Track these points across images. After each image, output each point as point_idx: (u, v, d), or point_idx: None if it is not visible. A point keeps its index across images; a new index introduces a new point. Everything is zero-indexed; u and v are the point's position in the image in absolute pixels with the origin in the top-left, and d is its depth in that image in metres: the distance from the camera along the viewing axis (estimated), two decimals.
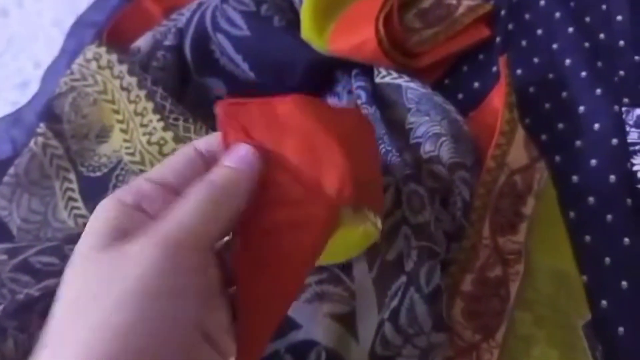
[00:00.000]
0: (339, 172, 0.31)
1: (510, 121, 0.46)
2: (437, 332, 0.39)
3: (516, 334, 0.40)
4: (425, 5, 0.55)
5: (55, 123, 0.52)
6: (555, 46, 0.52)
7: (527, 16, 0.54)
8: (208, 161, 0.32)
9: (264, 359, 0.37)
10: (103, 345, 0.24)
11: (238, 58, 0.53)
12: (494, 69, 0.52)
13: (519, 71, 0.52)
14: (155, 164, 0.48)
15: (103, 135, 0.52)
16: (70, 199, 0.50)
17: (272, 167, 0.31)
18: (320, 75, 0.54)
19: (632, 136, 0.46)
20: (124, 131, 0.50)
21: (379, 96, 0.50)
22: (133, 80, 0.51)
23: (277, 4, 0.55)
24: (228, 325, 0.30)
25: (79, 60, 0.53)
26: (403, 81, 0.49)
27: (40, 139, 0.51)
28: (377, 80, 0.51)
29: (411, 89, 0.48)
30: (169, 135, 0.48)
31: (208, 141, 0.33)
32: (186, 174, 0.31)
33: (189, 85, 0.55)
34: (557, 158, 0.47)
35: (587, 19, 0.52)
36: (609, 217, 0.43)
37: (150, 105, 0.49)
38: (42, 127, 0.51)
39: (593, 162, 0.46)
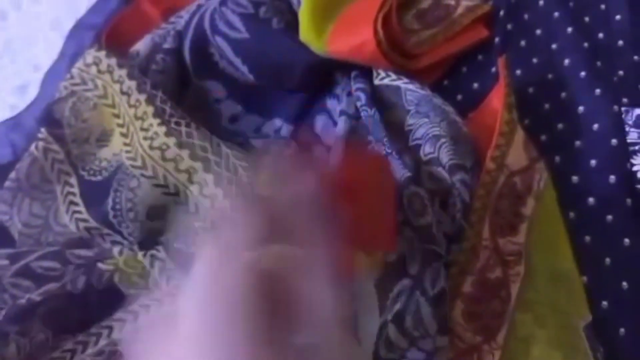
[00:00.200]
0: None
1: (510, 122, 0.46)
2: (442, 336, 0.39)
3: (517, 335, 0.41)
4: (424, 6, 0.55)
5: (55, 128, 0.52)
6: (554, 46, 0.52)
7: (526, 16, 0.54)
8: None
9: None
10: None
11: (237, 61, 0.54)
12: (493, 69, 0.52)
13: (518, 71, 0.52)
14: (156, 168, 0.48)
15: (103, 139, 0.52)
16: (72, 203, 0.50)
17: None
18: (319, 77, 0.54)
19: (632, 136, 0.46)
20: (124, 135, 0.50)
21: (379, 98, 0.50)
22: (132, 84, 0.51)
23: (275, 6, 0.55)
24: None
25: (79, 64, 0.53)
26: (402, 83, 0.49)
27: (41, 144, 0.51)
28: (377, 82, 0.51)
29: (410, 90, 0.48)
30: (171, 141, 0.49)
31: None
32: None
33: (188, 89, 0.55)
34: (557, 158, 0.47)
35: (586, 19, 0.52)
36: (609, 217, 0.43)
37: (150, 110, 0.50)
38: (43, 132, 0.52)
39: (593, 162, 0.46)
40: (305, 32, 0.52)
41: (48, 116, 0.53)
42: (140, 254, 0.44)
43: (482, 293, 0.42)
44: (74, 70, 0.53)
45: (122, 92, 0.51)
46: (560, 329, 0.40)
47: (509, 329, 0.41)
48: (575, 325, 0.40)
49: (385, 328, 0.39)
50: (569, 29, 0.52)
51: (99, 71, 0.52)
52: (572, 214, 0.45)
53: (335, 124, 0.51)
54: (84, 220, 0.49)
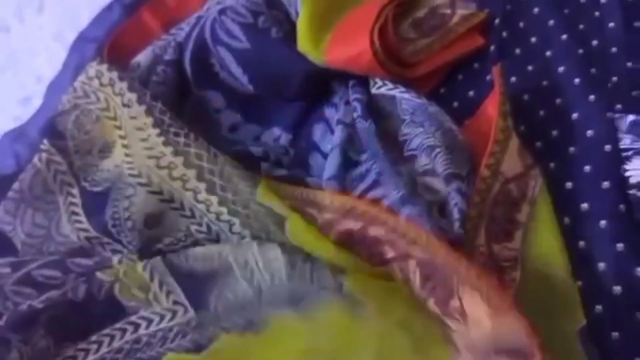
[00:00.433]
0: None
1: (505, 130, 0.46)
2: None
3: None
4: (419, 15, 0.56)
5: (58, 139, 0.53)
6: (549, 53, 0.52)
7: (521, 24, 0.55)
8: None
9: None
10: None
11: (238, 71, 0.54)
12: (489, 77, 0.52)
13: (513, 79, 0.52)
14: (151, 176, 0.49)
15: (105, 150, 0.52)
16: (74, 213, 0.50)
17: None
18: (317, 86, 0.55)
19: (625, 142, 0.46)
20: (125, 146, 0.51)
21: (375, 107, 0.50)
22: (133, 96, 0.51)
23: (274, 16, 0.56)
24: None
25: (82, 78, 0.54)
26: (398, 92, 0.49)
27: (44, 155, 0.52)
28: (373, 90, 0.51)
29: (405, 99, 0.49)
30: (168, 149, 0.49)
31: None
32: None
33: (188, 99, 0.56)
34: (552, 165, 0.47)
35: (581, 26, 0.53)
36: (603, 222, 0.44)
37: (149, 120, 0.50)
38: (45, 144, 0.52)
39: (587, 168, 0.46)
40: (303, 42, 0.52)
41: (51, 128, 0.53)
42: (140, 265, 0.44)
43: None
44: (77, 84, 0.54)
45: (124, 105, 0.51)
46: (554, 333, 0.40)
47: None
48: (570, 330, 0.41)
49: None
50: (564, 37, 0.52)
51: (101, 84, 0.53)
52: (566, 219, 0.45)
53: (333, 132, 0.51)
54: (85, 230, 0.49)
